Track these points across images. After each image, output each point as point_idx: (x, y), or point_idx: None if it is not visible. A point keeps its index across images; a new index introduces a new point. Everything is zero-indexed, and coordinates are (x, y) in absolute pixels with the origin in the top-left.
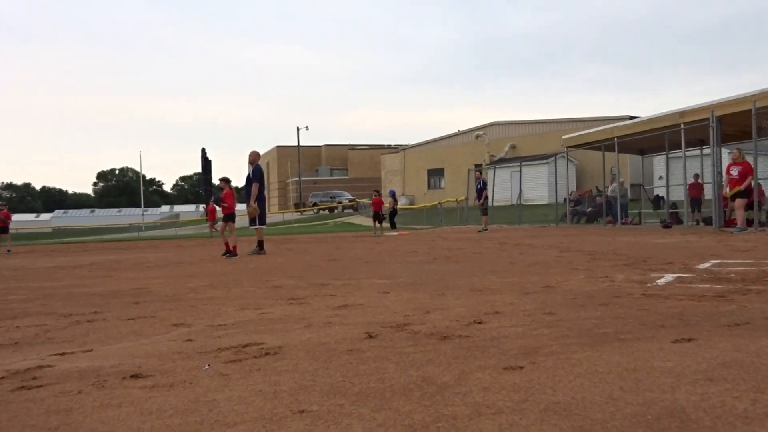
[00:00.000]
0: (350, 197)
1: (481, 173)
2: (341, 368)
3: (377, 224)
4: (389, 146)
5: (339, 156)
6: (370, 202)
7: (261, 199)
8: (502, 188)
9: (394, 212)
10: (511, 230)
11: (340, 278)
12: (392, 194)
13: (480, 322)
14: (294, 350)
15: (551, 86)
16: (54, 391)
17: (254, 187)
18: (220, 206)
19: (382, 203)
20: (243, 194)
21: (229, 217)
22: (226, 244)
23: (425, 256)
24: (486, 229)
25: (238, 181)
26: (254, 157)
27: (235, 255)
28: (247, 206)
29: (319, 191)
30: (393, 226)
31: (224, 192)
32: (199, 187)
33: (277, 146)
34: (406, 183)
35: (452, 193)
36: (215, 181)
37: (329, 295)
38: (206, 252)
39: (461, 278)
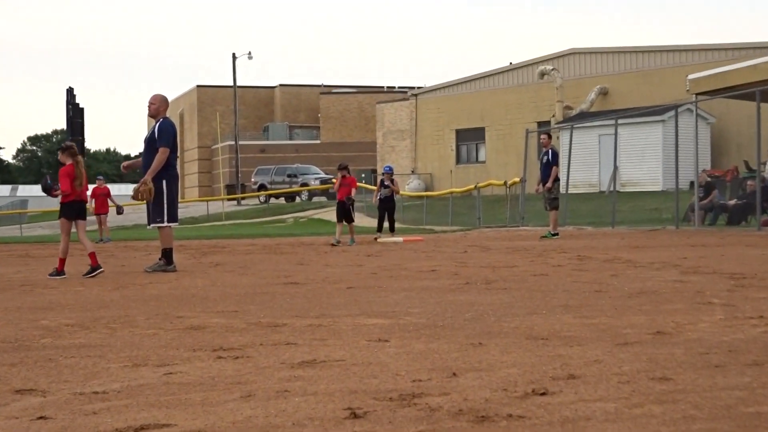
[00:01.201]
0: (323, 176)
1: (549, 138)
2: None
3: (344, 224)
4: (391, 89)
5: (305, 104)
6: (333, 185)
7: (171, 178)
8: (583, 163)
9: (387, 202)
10: (598, 235)
11: (305, 315)
12: (388, 171)
13: (544, 393)
14: None
15: None
16: None
17: (161, 155)
18: (50, 193)
19: (354, 186)
20: (142, 168)
21: (68, 210)
22: (91, 256)
23: (451, 279)
24: (555, 234)
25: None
26: (159, 106)
27: (62, 274)
28: (140, 183)
29: (269, 165)
30: (391, 228)
31: (63, 168)
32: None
33: (198, 86)
34: (420, 152)
35: (498, 170)
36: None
37: (285, 343)
38: (77, 267)
39: (512, 317)
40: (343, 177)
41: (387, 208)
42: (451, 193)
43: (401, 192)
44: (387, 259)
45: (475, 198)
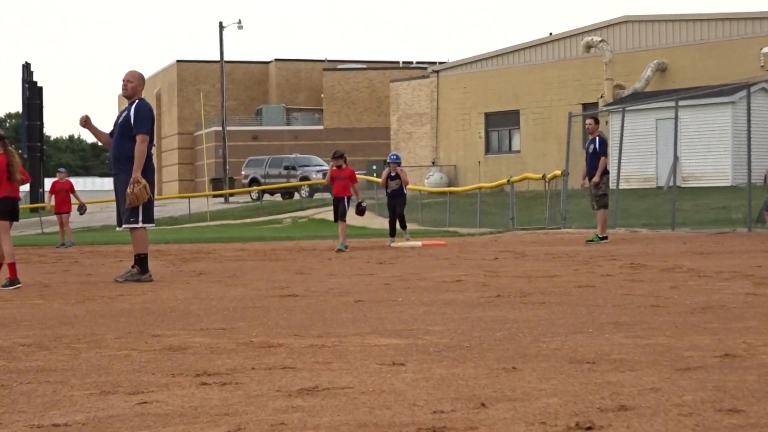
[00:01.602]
0: (327, 168)
1: (596, 123)
2: None
3: (342, 224)
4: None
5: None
6: (324, 177)
7: (147, 170)
8: (637, 153)
9: (395, 197)
10: (654, 239)
11: (305, 334)
12: (394, 160)
13: (590, 428)
14: None
15: None
16: None
17: (141, 144)
18: None
19: (353, 181)
20: (111, 158)
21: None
22: (11, 267)
23: (479, 291)
24: (604, 238)
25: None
26: (137, 85)
27: (16, 283)
28: (131, 184)
29: (262, 156)
30: (402, 225)
31: None
32: (21, 141)
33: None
34: (442, 140)
35: (535, 161)
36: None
37: (282, 367)
38: (33, 274)
39: (552, 337)
40: (339, 168)
41: (396, 203)
42: (480, 188)
43: (421, 188)
44: (402, 267)
45: (508, 195)
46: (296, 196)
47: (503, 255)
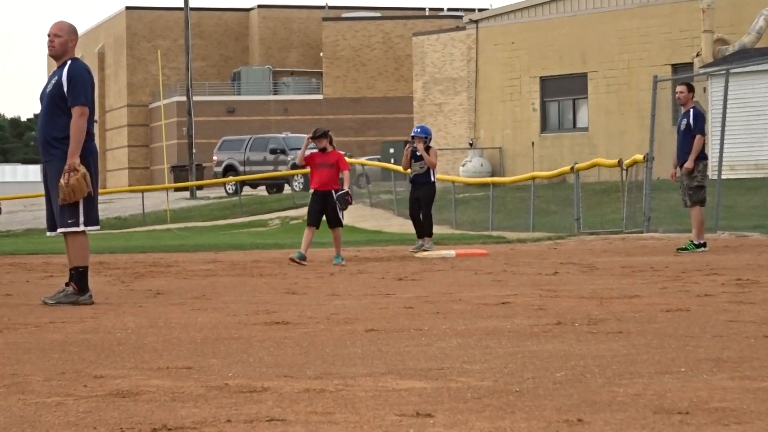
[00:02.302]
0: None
1: (690, 91)
2: None
3: (336, 229)
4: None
5: (298, 37)
6: (303, 157)
7: (87, 155)
8: (746, 130)
9: (419, 185)
10: None
11: (298, 374)
12: (418, 134)
13: None
14: None
15: None
16: None
17: (79, 118)
18: None
19: (343, 168)
20: (38, 140)
21: None
22: None
23: (532, 317)
24: (701, 245)
25: None
26: (66, 40)
27: None
28: (65, 173)
29: (240, 136)
30: (426, 230)
31: None
32: None
33: (128, 9)
34: (483, 114)
35: (608, 142)
36: None
37: (267, 419)
38: None
39: (631, 378)
40: (322, 152)
41: (420, 194)
42: (534, 178)
43: (455, 178)
44: (430, 284)
45: (572, 187)
46: (286, 189)
47: (565, 268)
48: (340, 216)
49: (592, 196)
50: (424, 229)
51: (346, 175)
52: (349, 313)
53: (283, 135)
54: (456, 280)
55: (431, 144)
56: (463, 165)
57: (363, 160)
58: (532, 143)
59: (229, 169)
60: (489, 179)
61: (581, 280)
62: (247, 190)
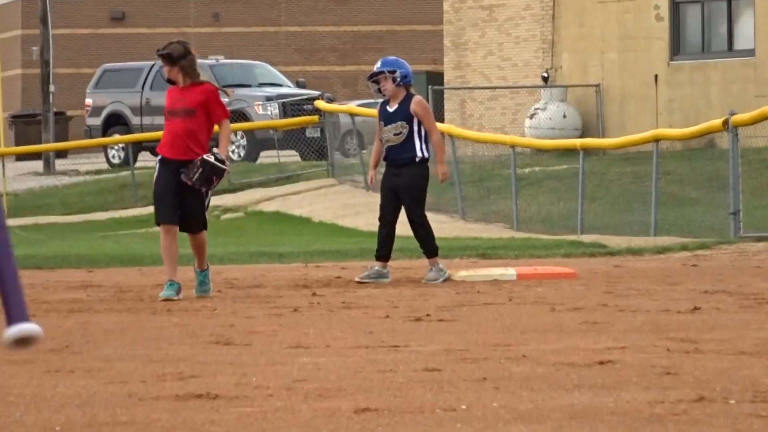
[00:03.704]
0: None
1: None
2: None
3: (196, 235)
4: None
5: None
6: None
7: None
8: None
9: (395, 168)
10: None
11: None
12: (384, 68)
13: None
14: None
15: None
16: None
17: None
18: None
19: (219, 118)
20: None
21: None
22: None
23: (654, 387)
24: None
25: None
26: None
27: None
28: None
29: (134, 63)
30: (424, 248)
31: None
32: None
33: None
34: (565, 21)
35: None
36: None
37: None
38: None
39: None
40: (176, 87)
41: (397, 183)
42: (657, 140)
43: (515, 139)
44: (470, 329)
45: (726, 156)
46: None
47: (713, 300)
48: (204, 205)
49: (763, 172)
50: (425, 246)
51: (223, 128)
52: (325, 380)
53: (211, 60)
54: (517, 321)
55: (413, 90)
56: (531, 116)
57: (351, 106)
58: (656, 77)
59: (114, 122)
60: (578, 141)
61: (741, 323)
62: (145, 158)
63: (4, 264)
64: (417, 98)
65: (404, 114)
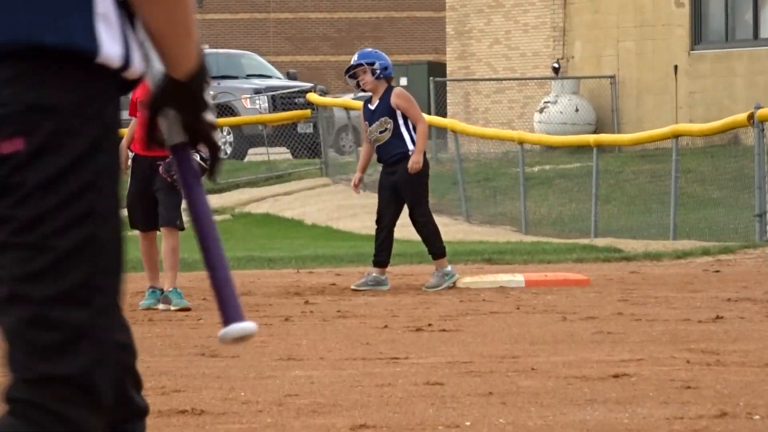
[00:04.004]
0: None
1: None
2: None
3: (169, 233)
4: None
5: None
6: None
7: None
8: None
9: (391, 166)
10: None
11: None
12: (362, 60)
13: None
14: None
15: None
16: None
17: None
18: None
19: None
20: None
21: None
22: None
23: (670, 402)
24: None
25: None
26: None
27: None
28: None
29: None
30: (432, 251)
31: None
32: None
33: None
34: (578, 7)
35: None
36: None
37: None
38: None
39: None
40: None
41: (394, 182)
42: (676, 136)
43: (523, 135)
44: (475, 339)
45: (750, 153)
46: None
47: (736, 309)
48: (181, 197)
49: None
50: (430, 246)
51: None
52: (319, 394)
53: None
54: (525, 331)
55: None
56: (541, 110)
57: (346, 99)
58: (675, 68)
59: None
60: (591, 137)
61: (766, 333)
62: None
63: (217, 261)
64: (397, 90)
65: (386, 109)
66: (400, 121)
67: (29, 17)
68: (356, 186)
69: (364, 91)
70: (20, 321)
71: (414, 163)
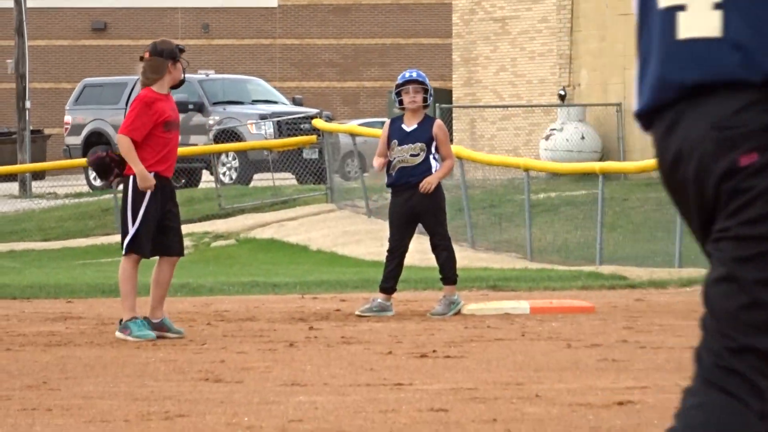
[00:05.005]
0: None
1: None
2: None
3: (172, 262)
4: None
5: None
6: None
7: None
8: None
9: (410, 191)
10: None
11: None
12: (408, 79)
13: None
14: None
15: None
16: None
17: None
18: None
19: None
20: None
21: None
22: None
23: None
24: None
25: None
26: None
27: None
28: None
29: (118, 77)
30: (445, 275)
31: None
32: None
33: None
34: (584, 35)
35: None
36: None
37: None
38: None
39: None
40: (169, 97)
41: (415, 205)
42: None
43: (529, 162)
44: (479, 366)
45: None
46: (206, 179)
47: None
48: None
49: None
50: (446, 272)
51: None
52: (323, 420)
53: (200, 75)
54: (530, 358)
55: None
56: (547, 137)
57: (352, 125)
58: None
59: (96, 141)
60: (597, 165)
61: None
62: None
63: None
64: (439, 122)
65: (426, 136)
66: (433, 151)
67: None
68: (381, 166)
69: (403, 110)
70: (730, 296)
71: (427, 183)
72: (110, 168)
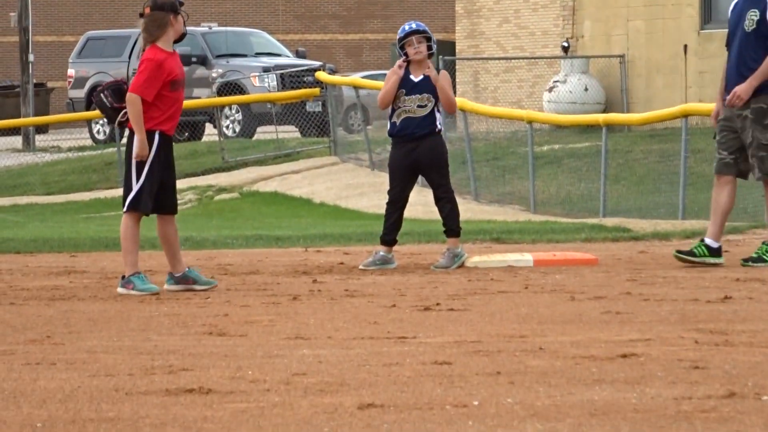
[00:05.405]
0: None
1: None
2: None
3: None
4: None
5: None
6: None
7: None
8: None
9: (417, 141)
10: None
11: None
12: (412, 30)
13: None
14: None
15: None
16: None
17: None
18: None
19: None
20: None
21: None
22: None
23: (678, 382)
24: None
25: None
26: None
27: None
28: None
29: (118, 30)
30: (449, 228)
31: None
32: None
33: None
34: None
35: None
36: None
37: None
38: None
39: None
40: (175, 55)
41: (419, 158)
42: (686, 116)
43: (532, 115)
44: (483, 319)
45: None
46: (209, 132)
47: (745, 289)
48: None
49: None
50: (450, 223)
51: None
52: (327, 373)
53: (203, 28)
54: (534, 310)
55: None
56: (550, 89)
57: (356, 78)
58: (685, 48)
59: (95, 94)
60: (600, 117)
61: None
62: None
63: None
64: (444, 72)
65: (431, 87)
66: (439, 103)
67: None
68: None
69: (407, 61)
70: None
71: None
72: (110, 110)
